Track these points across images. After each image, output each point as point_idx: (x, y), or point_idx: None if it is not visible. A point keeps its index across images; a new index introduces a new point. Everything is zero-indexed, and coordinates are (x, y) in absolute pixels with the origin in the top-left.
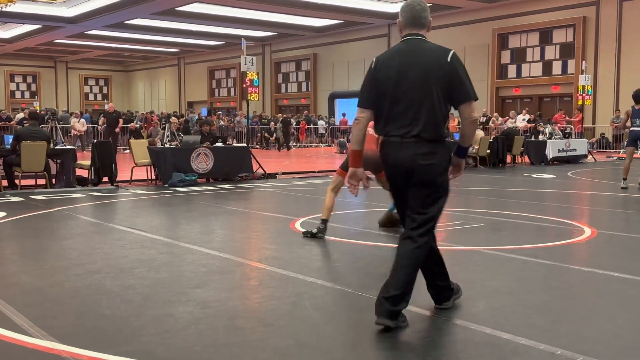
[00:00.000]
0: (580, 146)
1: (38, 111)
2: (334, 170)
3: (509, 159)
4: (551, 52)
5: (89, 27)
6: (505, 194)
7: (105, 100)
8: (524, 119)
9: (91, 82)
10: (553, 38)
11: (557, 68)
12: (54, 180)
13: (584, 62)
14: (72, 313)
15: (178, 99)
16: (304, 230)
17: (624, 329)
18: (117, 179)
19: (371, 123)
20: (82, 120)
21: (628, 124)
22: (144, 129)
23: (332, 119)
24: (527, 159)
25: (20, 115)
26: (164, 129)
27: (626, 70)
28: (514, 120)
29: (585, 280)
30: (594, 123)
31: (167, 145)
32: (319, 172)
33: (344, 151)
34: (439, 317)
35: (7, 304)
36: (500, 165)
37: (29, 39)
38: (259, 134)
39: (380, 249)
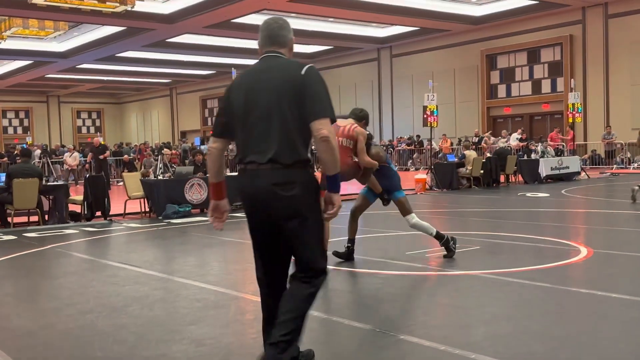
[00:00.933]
0: (572, 163)
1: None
2: None
3: (502, 178)
4: (540, 71)
5: (80, 61)
6: (501, 214)
7: (99, 133)
8: (517, 138)
9: (84, 115)
10: (541, 57)
11: (546, 86)
12: (46, 217)
13: (572, 80)
14: (64, 357)
15: (171, 129)
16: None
17: (625, 353)
18: (111, 212)
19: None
20: (75, 154)
21: None
22: (137, 161)
23: None
24: (520, 178)
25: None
26: (156, 160)
27: (615, 86)
28: (505, 139)
29: (584, 302)
30: (585, 140)
31: (160, 177)
32: None
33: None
34: (437, 347)
35: None
36: (494, 185)
37: (20, 75)
38: None
39: (376, 277)
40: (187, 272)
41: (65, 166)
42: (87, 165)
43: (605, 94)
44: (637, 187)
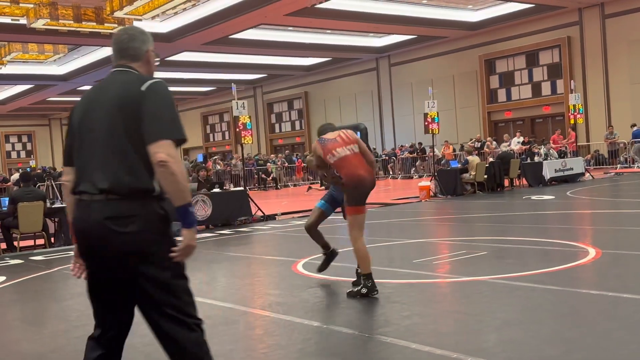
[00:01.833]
0: (576, 165)
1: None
2: None
3: (506, 182)
4: (539, 74)
5: (80, 83)
6: (506, 218)
7: None
8: (518, 142)
9: None
10: (540, 60)
11: (546, 89)
12: (52, 240)
13: (572, 81)
14: None
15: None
16: (348, 290)
17: (638, 354)
18: None
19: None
20: None
21: None
22: None
23: None
24: (524, 182)
25: (16, 175)
26: None
27: (615, 85)
28: (508, 143)
29: (595, 304)
30: (588, 141)
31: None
32: None
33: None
34: (449, 355)
35: None
36: (498, 189)
37: (21, 99)
38: (255, 176)
39: (384, 286)
40: (195, 289)
41: None
42: None
43: (605, 93)
44: None
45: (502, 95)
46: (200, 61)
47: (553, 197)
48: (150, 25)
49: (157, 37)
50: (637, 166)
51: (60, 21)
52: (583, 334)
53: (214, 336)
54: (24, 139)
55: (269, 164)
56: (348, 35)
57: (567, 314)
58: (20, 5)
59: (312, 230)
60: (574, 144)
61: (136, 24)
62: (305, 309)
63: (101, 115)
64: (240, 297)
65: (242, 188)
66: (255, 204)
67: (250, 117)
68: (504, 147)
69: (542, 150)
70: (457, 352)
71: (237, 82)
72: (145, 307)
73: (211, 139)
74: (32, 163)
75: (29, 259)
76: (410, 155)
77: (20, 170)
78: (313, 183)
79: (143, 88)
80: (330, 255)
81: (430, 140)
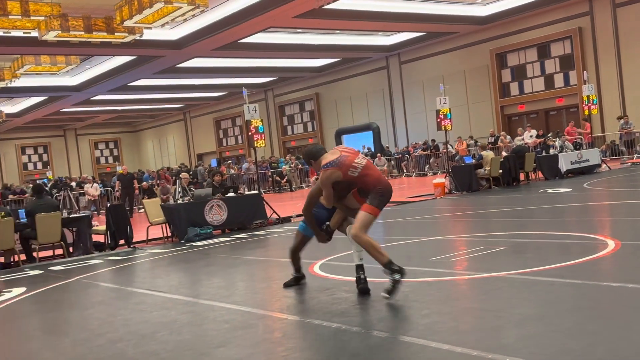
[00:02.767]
0: (592, 156)
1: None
2: None
3: (522, 176)
4: (551, 66)
5: (94, 93)
6: (523, 213)
7: (117, 163)
8: (531, 136)
9: (101, 146)
10: (551, 52)
11: (559, 81)
12: (71, 249)
13: (585, 72)
14: None
15: (187, 153)
16: (385, 295)
17: None
18: (134, 239)
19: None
20: (95, 185)
21: None
22: (156, 187)
23: None
24: (540, 175)
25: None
26: (175, 184)
27: (629, 74)
28: (522, 137)
29: (616, 296)
30: (603, 131)
31: (179, 201)
32: None
33: None
34: (469, 353)
35: None
36: (514, 184)
37: (36, 111)
38: (270, 179)
39: (403, 285)
40: (213, 294)
41: (87, 197)
42: (117, 193)
43: (619, 83)
44: None
45: (514, 88)
46: (211, 67)
47: (570, 189)
48: (161, 33)
49: (167, 44)
50: None
51: (71, 32)
52: (605, 327)
53: (233, 340)
54: (40, 150)
55: (284, 166)
56: (357, 35)
57: (588, 307)
58: (32, 18)
59: (296, 254)
60: (590, 135)
61: (146, 32)
62: (323, 310)
63: None
64: (258, 300)
65: (256, 192)
66: (270, 207)
67: (262, 121)
68: (518, 141)
69: (557, 142)
70: (478, 350)
71: (248, 86)
72: None
73: (224, 144)
74: (49, 174)
75: (48, 269)
76: (424, 153)
77: (36, 181)
78: None
79: None
80: (299, 278)
81: (443, 136)
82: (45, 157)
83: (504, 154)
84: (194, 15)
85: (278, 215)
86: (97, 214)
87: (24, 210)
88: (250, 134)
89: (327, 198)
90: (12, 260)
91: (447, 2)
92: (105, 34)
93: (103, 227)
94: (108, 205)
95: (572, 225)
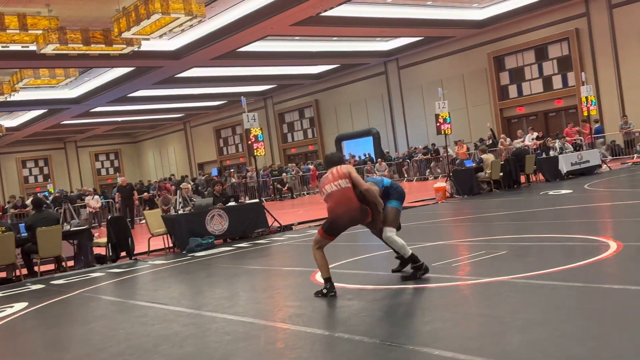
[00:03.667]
0: (592, 157)
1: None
2: None
3: (522, 179)
4: (549, 68)
5: (93, 105)
6: (525, 215)
7: (118, 174)
8: (532, 138)
9: (102, 157)
10: (549, 53)
11: (557, 82)
12: (72, 262)
13: (583, 73)
14: None
15: (188, 163)
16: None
17: None
18: (135, 251)
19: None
20: (96, 197)
21: None
22: (157, 197)
23: None
24: (541, 177)
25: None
26: (175, 195)
27: (627, 74)
28: (522, 139)
29: (619, 298)
30: (602, 132)
31: (180, 212)
32: None
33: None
34: (473, 359)
35: None
36: (515, 186)
37: (36, 124)
38: (271, 186)
39: (405, 292)
40: (215, 305)
41: (88, 209)
42: (117, 205)
43: (617, 83)
44: None
45: (513, 91)
46: (210, 76)
47: (571, 191)
48: (159, 44)
49: (165, 55)
50: None
51: (69, 45)
52: (609, 330)
53: (235, 352)
54: (41, 163)
55: (284, 174)
56: (355, 41)
57: (592, 311)
58: (30, 32)
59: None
60: (589, 136)
61: (144, 43)
62: (326, 319)
63: None
64: (260, 310)
65: (257, 200)
66: (272, 215)
67: (261, 129)
68: (517, 144)
69: (557, 144)
70: (481, 356)
71: (247, 94)
72: None
73: (225, 152)
74: (50, 187)
75: (49, 283)
76: (424, 157)
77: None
78: None
79: None
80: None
81: (443, 140)
82: (46, 170)
83: (504, 156)
84: (191, 26)
85: (279, 224)
86: (99, 226)
87: (24, 224)
88: (250, 142)
89: None
90: (13, 275)
91: (443, 6)
92: (103, 46)
93: (104, 240)
94: (109, 217)
95: (573, 227)
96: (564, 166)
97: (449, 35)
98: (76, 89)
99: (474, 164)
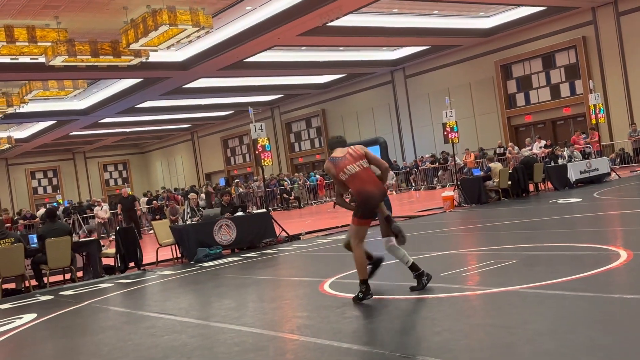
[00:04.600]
0: (601, 165)
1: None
2: None
3: (531, 187)
4: (557, 76)
5: (101, 116)
6: (534, 224)
7: (126, 184)
8: (541, 147)
9: (110, 168)
10: (556, 62)
11: (565, 90)
12: (81, 273)
13: (591, 81)
14: None
15: (196, 173)
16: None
17: None
18: (143, 262)
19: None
20: (105, 207)
21: None
22: (165, 208)
23: None
24: (550, 185)
25: (42, 211)
26: (183, 205)
27: (635, 82)
28: (529, 148)
29: (630, 308)
30: (611, 140)
31: (188, 222)
32: (342, 226)
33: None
34: None
35: None
36: (523, 195)
37: (45, 135)
38: (278, 196)
39: (414, 302)
40: (223, 316)
41: (97, 220)
42: (119, 217)
43: (625, 91)
44: None
45: (520, 99)
46: (217, 86)
47: (580, 199)
48: (166, 55)
49: (173, 65)
50: None
51: (78, 57)
52: (620, 341)
53: None
54: (50, 174)
55: (285, 182)
56: (361, 51)
57: (602, 321)
58: (39, 44)
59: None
60: (598, 144)
61: (152, 54)
62: (334, 330)
63: None
64: (268, 321)
65: (264, 210)
66: (279, 225)
67: (269, 139)
68: (525, 152)
69: (566, 152)
70: None
71: (254, 104)
72: None
73: (232, 162)
74: (59, 198)
75: (58, 294)
76: (432, 166)
77: (47, 205)
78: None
79: None
80: (376, 263)
81: (450, 149)
82: (55, 181)
83: (512, 164)
84: (199, 37)
85: (287, 233)
86: (107, 236)
87: (35, 235)
88: (257, 152)
89: (337, 185)
90: (22, 286)
91: (450, 15)
92: (111, 57)
93: (113, 250)
94: (117, 228)
95: (583, 236)
96: (572, 174)
97: (456, 44)
98: (85, 100)
99: (481, 173)
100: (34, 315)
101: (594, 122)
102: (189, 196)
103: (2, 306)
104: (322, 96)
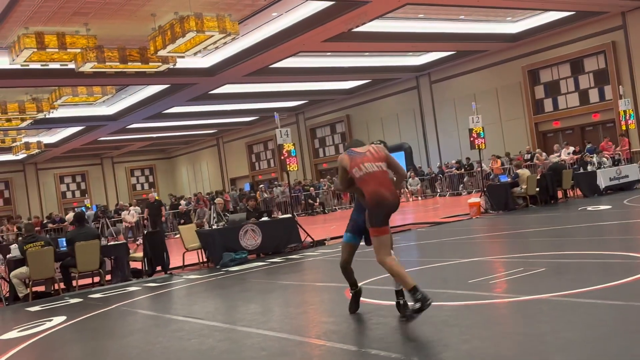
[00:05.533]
0: (632, 172)
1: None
2: None
3: (560, 194)
4: (585, 81)
5: (129, 122)
6: (563, 232)
7: (153, 189)
8: (569, 153)
9: (137, 173)
10: (585, 67)
11: (594, 96)
12: (109, 276)
13: (620, 86)
14: None
15: (221, 178)
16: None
17: None
18: (170, 266)
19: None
20: (133, 211)
21: None
22: (192, 212)
23: None
24: (579, 192)
25: (70, 215)
26: (210, 209)
27: None
28: (558, 154)
29: None
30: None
31: (214, 227)
32: None
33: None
34: None
35: None
36: (552, 202)
37: (74, 141)
38: (303, 201)
39: (441, 309)
40: (250, 320)
41: (125, 224)
42: (144, 221)
43: None
44: None
45: (548, 105)
46: (243, 92)
47: (610, 206)
48: (193, 62)
49: (200, 72)
50: None
51: (107, 63)
52: None
53: None
54: (78, 178)
55: (311, 188)
56: (386, 56)
57: (634, 330)
58: (68, 50)
59: (348, 267)
60: (628, 151)
61: (179, 60)
62: (361, 336)
63: None
64: (295, 326)
65: (289, 215)
66: (304, 230)
67: (294, 144)
68: (554, 158)
69: (595, 158)
70: None
71: (279, 109)
72: None
73: (257, 168)
74: (87, 202)
75: (87, 298)
76: (458, 172)
77: (75, 209)
78: None
79: None
80: (358, 294)
81: (477, 155)
82: (83, 186)
83: (540, 171)
84: (225, 43)
85: (312, 239)
86: (134, 240)
87: (64, 238)
88: (282, 157)
89: (340, 179)
90: (52, 288)
91: (476, 20)
92: (139, 64)
93: (140, 254)
94: (145, 232)
95: (614, 244)
96: (602, 181)
97: (482, 49)
98: (113, 106)
99: (509, 179)
100: (64, 317)
101: (624, 128)
102: (215, 201)
103: (32, 308)
104: (347, 102)
